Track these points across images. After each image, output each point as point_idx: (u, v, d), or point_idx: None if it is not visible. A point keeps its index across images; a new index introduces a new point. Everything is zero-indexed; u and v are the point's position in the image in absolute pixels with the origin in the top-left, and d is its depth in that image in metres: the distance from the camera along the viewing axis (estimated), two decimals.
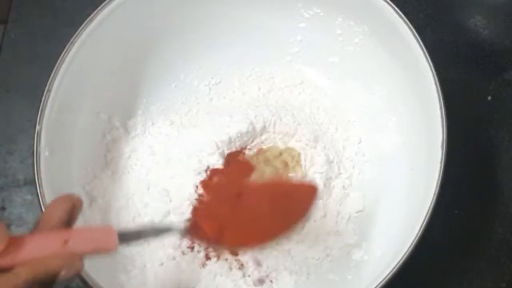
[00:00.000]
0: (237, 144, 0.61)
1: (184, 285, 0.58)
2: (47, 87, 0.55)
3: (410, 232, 0.49)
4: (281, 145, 0.62)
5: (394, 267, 0.47)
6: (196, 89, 0.67)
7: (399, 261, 0.48)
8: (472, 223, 0.61)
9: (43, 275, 0.36)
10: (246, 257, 0.58)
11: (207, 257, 0.58)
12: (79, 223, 0.55)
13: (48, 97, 0.55)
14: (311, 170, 0.60)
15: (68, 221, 0.39)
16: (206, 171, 0.60)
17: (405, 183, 0.57)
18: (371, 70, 0.62)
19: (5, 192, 0.65)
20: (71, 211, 0.39)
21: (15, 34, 0.73)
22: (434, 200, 0.49)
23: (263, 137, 0.62)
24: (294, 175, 0.60)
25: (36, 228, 0.38)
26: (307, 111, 0.64)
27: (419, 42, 0.54)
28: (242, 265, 0.58)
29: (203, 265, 0.58)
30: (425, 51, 0.54)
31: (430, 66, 0.53)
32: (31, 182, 0.62)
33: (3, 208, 0.65)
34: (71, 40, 0.56)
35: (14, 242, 0.37)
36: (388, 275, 0.47)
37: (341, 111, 0.64)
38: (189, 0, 0.62)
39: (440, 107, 0.52)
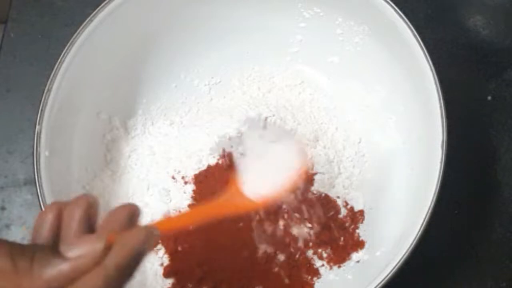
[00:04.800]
0: (237, 144, 0.61)
1: None
2: (47, 87, 0.55)
3: (410, 232, 0.49)
4: None
5: (394, 267, 0.47)
6: (196, 88, 0.67)
7: (399, 261, 0.48)
8: (472, 223, 0.61)
9: (130, 257, 0.33)
10: None
11: None
12: None
13: (48, 97, 0.55)
14: (311, 170, 0.60)
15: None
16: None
17: (405, 183, 0.57)
18: (371, 70, 0.62)
19: (5, 192, 0.65)
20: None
21: (15, 34, 0.73)
22: (434, 200, 0.49)
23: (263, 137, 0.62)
24: None
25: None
26: (307, 110, 0.64)
27: (419, 42, 0.54)
28: None
29: None
30: (425, 51, 0.54)
31: (430, 66, 0.53)
32: (31, 182, 0.62)
33: (3, 208, 0.65)
34: (71, 40, 0.56)
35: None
36: (388, 275, 0.47)
37: (341, 111, 0.64)
38: (189, 0, 0.62)
39: (440, 107, 0.52)
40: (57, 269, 0.33)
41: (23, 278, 0.32)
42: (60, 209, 0.35)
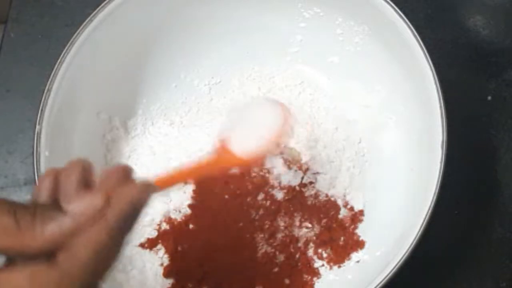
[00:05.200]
0: None
1: None
2: (47, 87, 0.55)
3: (410, 232, 0.49)
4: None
5: (394, 267, 0.48)
6: (196, 88, 0.67)
7: (399, 261, 0.48)
8: (472, 223, 0.61)
9: (130, 209, 0.34)
10: None
11: None
12: None
13: (48, 97, 0.55)
14: (311, 170, 0.60)
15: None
16: None
17: (405, 183, 0.57)
18: (371, 70, 0.62)
19: (5, 192, 0.65)
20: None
21: (15, 34, 0.73)
22: (434, 200, 0.49)
23: None
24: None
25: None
26: (307, 111, 0.64)
27: (419, 42, 0.54)
28: None
29: None
30: (425, 51, 0.54)
31: (430, 66, 0.53)
32: (31, 182, 0.62)
33: None
34: (71, 40, 0.56)
35: None
36: (388, 275, 0.47)
37: (341, 111, 0.64)
38: (189, 0, 0.62)
39: (440, 107, 0.52)
40: (59, 223, 0.33)
41: (25, 234, 0.32)
42: (57, 173, 0.36)
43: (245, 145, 0.46)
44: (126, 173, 0.37)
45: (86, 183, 0.36)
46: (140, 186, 0.36)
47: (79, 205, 0.34)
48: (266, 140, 0.46)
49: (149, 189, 0.36)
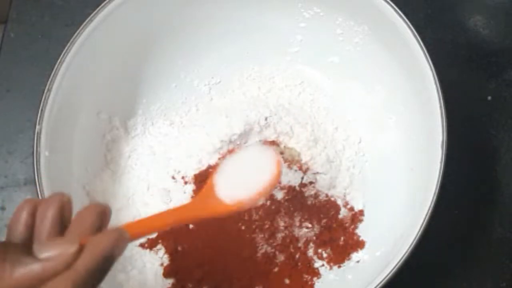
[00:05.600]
0: (237, 143, 0.61)
1: None
2: (47, 87, 0.55)
3: (410, 232, 0.49)
4: (281, 145, 0.62)
5: (394, 267, 0.48)
6: (196, 89, 0.67)
7: (399, 261, 0.48)
8: (472, 223, 0.61)
9: (100, 261, 0.34)
10: None
11: None
12: None
13: (48, 97, 0.55)
14: (311, 170, 0.60)
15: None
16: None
17: (405, 183, 0.57)
18: (371, 70, 0.62)
19: (5, 192, 0.65)
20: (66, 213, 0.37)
21: (15, 34, 0.73)
22: (434, 200, 0.49)
23: (263, 137, 0.62)
24: None
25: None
26: (307, 111, 0.64)
27: (419, 42, 0.54)
28: None
29: None
30: (425, 51, 0.54)
31: (430, 66, 0.53)
32: (31, 182, 0.62)
33: (3, 208, 0.65)
34: (71, 40, 0.56)
35: None
36: (388, 275, 0.47)
37: (341, 111, 0.64)
38: (189, 0, 0.62)
39: (440, 107, 0.52)
40: (29, 269, 0.33)
41: None
42: (35, 206, 0.36)
43: (232, 192, 0.45)
44: (101, 215, 0.36)
45: (62, 221, 0.36)
46: (113, 237, 0.35)
47: (50, 251, 0.34)
48: (254, 190, 0.45)
49: (124, 239, 0.36)
